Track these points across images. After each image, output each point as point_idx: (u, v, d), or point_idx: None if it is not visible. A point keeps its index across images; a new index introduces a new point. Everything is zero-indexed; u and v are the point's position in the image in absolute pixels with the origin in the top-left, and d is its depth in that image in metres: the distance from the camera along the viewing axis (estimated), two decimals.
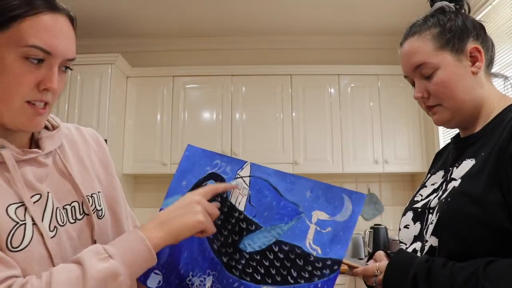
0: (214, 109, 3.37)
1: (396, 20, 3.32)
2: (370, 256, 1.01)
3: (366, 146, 3.30)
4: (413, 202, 0.98)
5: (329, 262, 0.79)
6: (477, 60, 0.89)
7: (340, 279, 2.84)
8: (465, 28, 0.90)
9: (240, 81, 3.40)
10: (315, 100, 3.37)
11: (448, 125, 0.93)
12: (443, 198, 0.84)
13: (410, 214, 0.95)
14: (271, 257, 0.82)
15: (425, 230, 0.87)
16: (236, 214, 0.86)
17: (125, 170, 3.29)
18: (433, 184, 0.96)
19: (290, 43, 3.71)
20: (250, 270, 0.83)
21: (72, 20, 0.75)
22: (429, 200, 0.91)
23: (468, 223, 0.76)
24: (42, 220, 0.70)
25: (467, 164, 0.85)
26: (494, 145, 0.80)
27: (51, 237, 0.70)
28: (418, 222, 0.91)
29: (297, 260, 0.81)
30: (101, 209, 0.83)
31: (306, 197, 0.84)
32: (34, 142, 0.79)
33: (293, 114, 3.35)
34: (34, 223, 0.69)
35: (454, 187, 0.83)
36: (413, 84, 0.94)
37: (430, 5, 0.98)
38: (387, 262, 0.86)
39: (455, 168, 0.90)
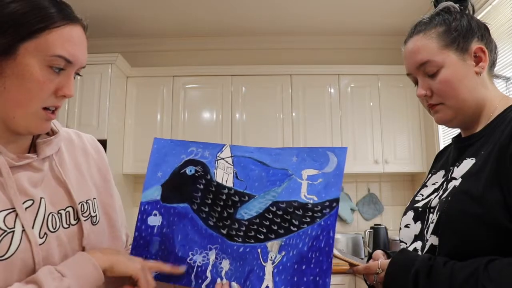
0: (214, 109, 3.37)
1: (396, 20, 3.32)
2: (370, 256, 1.01)
3: (366, 146, 3.30)
4: (414, 201, 0.98)
5: (327, 203, 0.82)
6: (481, 61, 0.89)
7: (340, 279, 2.84)
8: (470, 28, 0.91)
9: (240, 81, 3.40)
10: (315, 100, 3.37)
11: (449, 124, 0.93)
12: (444, 197, 0.84)
13: (410, 214, 0.95)
14: (270, 216, 0.84)
15: (426, 229, 0.87)
16: (226, 191, 0.88)
17: (125, 170, 3.29)
18: (433, 184, 0.96)
19: (290, 43, 3.71)
20: (252, 233, 0.84)
21: (84, 29, 0.80)
22: (430, 200, 0.91)
23: (469, 222, 0.76)
24: (33, 227, 0.71)
25: (468, 163, 0.85)
26: (494, 144, 0.81)
27: (40, 244, 0.71)
28: (419, 222, 0.91)
29: (296, 211, 0.83)
30: (96, 215, 0.83)
31: (293, 162, 0.87)
32: (33, 147, 0.80)
33: (293, 114, 3.35)
34: (24, 230, 0.69)
35: (454, 186, 0.83)
36: (416, 83, 0.94)
37: (434, 5, 0.98)
38: (389, 260, 0.87)
39: (455, 167, 0.90)
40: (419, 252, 0.87)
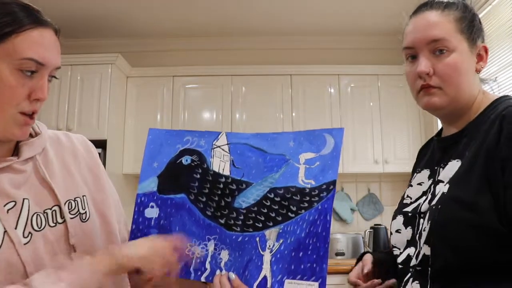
0: (214, 109, 3.37)
1: (396, 21, 3.31)
2: (359, 257, 1.01)
3: (366, 146, 3.30)
4: (402, 205, 0.96)
5: (324, 187, 0.81)
6: (481, 60, 0.89)
7: (340, 279, 2.84)
8: (480, 25, 0.91)
9: (240, 81, 3.40)
10: (315, 100, 3.37)
11: (439, 111, 0.89)
12: (434, 205, 0.82)
13: (400, 218, 0.93)
14: (268, 203, 0.84)
15: (418, 235, 0.86)
16: (223, 179, 0.87)
17: (125, 170, 3.28)
18: (419, 184, 0.94)
19: (290, 43, 3.71)
20: (251, 222, 0.84)
21: (56, 32, 0.79)
22: (419, 204, 0.89)
23: (461, 229, 0.75)
24: (16, 227, 0.71)
25: (453, 165, 0.84)
26: (479, 145, 0.79)
27: (24, 244, 0.71)
28: (410, 227, 0.90)
29: (293, 197, 0.83)
30: (85, 212, 0.84)
31: (290, 147, 0.86)
32: (17, 150, 0.80)
33: (293, 114, 3.35)
34: (6, 231, 0.70)
35: (443, 192, 0.81)
36: (412, 57, 0.89)
37: None
38: None
39: (441, 169, 0.89)
40: (414, 259, 0.85)
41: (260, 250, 0.82)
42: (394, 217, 0.96)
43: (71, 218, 0.80)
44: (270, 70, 3.42)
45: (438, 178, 0.87)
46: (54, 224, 0.77)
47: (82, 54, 3.20)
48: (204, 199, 0.87)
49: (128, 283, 0.87)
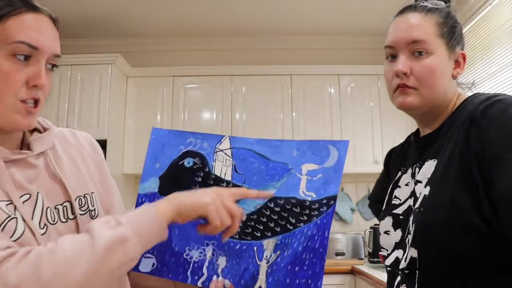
0: (214, 109, 3.37)
1: None
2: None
3: (366, 146, 3.30)
4: (391, 206, 0.96)
5: (324, 201, 0.81)
6: (458, 66, 0.91)
7: (340, 279, 2.84)
8: (461, 33, 0.93)
9: (240, 81, 3.40)
10: (315, 100, 3.37)
11: (413, 111, 0.90)
12: (417, 208, 0.83)
13: (389, 220, 0.93)
14: (268, 213, 0.83)
15: (406, 238, 0.87)
16: (224, 184, 0.86)
17: (125, 170, 3.28)
18: (407, 185, 0.95)
19: (290, 43, 3.71)
20: (249, 230, 0.83)
21: (54, 21, 0.78)
22: (410, 206, 0.90)
23: (444, 231, 0.76)
24: (32, 218, 0.71)
25: (430, 165, 0.85)
26: (454, 145, 0.81)
27: (41, 234, 0.71)
28: (399, 229, 0.90)
29: (293, 208, 0.82)
30: (94, 209, 0.83)
31: (293, 156, 0.85)
32: (25, 145, 0.80)
33: (293, 114, 3.35)
34: (24, 220, 0.70)
35: (425, 195, 0.82)
36: (391, 56, 0.91)
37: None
38: None
39: (417, 168, 0.90)
40: (402, 262, 0.86)
41: (257, 260, 0.82)
42: (382, 218, 0.96)
43: (81, 215, 0.79)
44: (270, 70, 3.42)
45: (417, 179, 0.88)
46: (65, 220, 0.77)
47: (82, 54, 3.21)
48: None
49: (128, 282, 0.87)
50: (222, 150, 0.88)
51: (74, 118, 3.07)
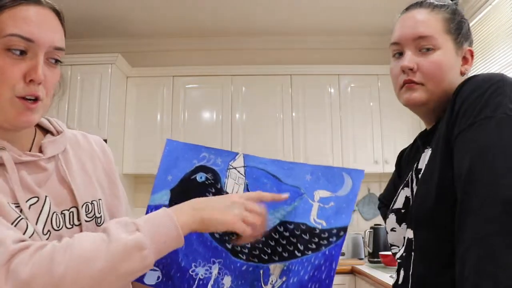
0: (214, 109, 3.37)
1: None
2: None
3: (366, 146, 3.30)
4: (395, 203, 0.96)
5: (335, 231, 0.80)
6: (466, 63, 0.91)
7: (340, 279, 2.84)
8: (468, 30, 0.93)
9: (240, 81, 3.40)
10: (315, 100, 3.37)
11: (419, 108, 0.90)
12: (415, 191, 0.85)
13: (392, 217, 0.94)
14: (277, 237, 0.82)
15: None
16: None
17: (125, 170, 3.28)
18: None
19: (290, 43, 3.71)
20: (257, 252, 0.83)
21: (58, 13, 0.75)
22: (406, 197, 0.91)
23: (435, 206, 0.76)
24: (37, 223, 0.70)
25: (426, 154, 0.87)
26: (440, 129, 0.82)
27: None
28: (404, 223, 0.90)
29: (303, 235, 0.81)
30: (101, 216, 0.82)
31: (307, 180, 0.84)
32: (37, 146, 0.79)
33: (293, 114, 3.35)
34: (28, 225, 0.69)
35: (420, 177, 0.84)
36: (399, 54, 0.90)
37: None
38: None
39: (418, 161, 0.91)
40: (402, 248, 0.87)
41: (263, 284, 0.81)
42: (387, 216, 0.97)
43: (86, 221, 0.78)
44: (270, 70, 3.42)
45: (419, 167, 0.89)
46: (70, 226, 0.76)
47: (82, 54, 3.20)
48: None
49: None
50: (235, 168, 0.87)
51: (74, 118, 3.07)
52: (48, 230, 0.72)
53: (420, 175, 0.86)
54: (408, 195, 0.91)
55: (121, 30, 3.54)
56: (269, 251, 0.82)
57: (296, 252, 0.81)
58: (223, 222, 0.72)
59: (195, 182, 0.88)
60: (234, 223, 0.73)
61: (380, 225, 3.28)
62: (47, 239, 0.70)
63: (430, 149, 0.86)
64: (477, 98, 0.75)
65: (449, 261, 0.73)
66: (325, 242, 0.80)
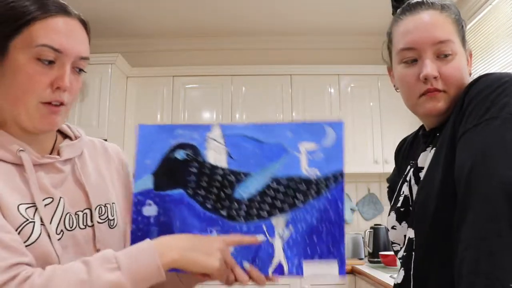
0: (214, 109, 3.37)
1: None
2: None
3: (366, 146, 3.30)
4: (395, 201, 0.96)
5: (331, 177, 0.81)
6: (468, 64, 0.89)
7: (340, 279, 2.84)
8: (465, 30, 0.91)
9: (240, 81, 3.40)
10: (315, 100, 3.37)
11: (440, 116, 0.85)
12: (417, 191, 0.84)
13: (393, 215, 0.93)
14: (272, 193, 0.83)
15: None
16: (221, 172, 0.85)
17: None
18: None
19: (290, 43, 3.71)
20: (255, 211, 0.83)
21: (84, 24, 0.80)
22: (405, 195, 0.90)
23: (437, 206, 0.76)
24: (50, 223, 0.73)
25: (428, 153, 0.85)
26: (449, 127, 0.80)
27: (58, 239, 0.73)
28: (404, 222, 0.90)
29: (298, 186, 0.81)
30: (114, 219, 0.85)
31: (288, 136, 0.84)
32: (55, 150, 0.82)
33: (293, 114, 3.35)
34: (42, 224, 0.71)
35: (424, 176, 0.83)
36: (412, 60, 0.84)
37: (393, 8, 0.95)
38: None
39: (417, 159, 0.89)
40: (404, 247, 0.86)
41: (269, 237, 0.81)
42: (388, 214, 0.96)
43: (99, 223, 0.81)
44: (270, 70, 3.42)
45: (418, 166, 0.88)
46: (84, 227, 0.79)
47: None
48: (203, 193, 0.85)
49: None
50: (213, 138, 0.87)
51: (74, 118, 3.07)
52: (61, 230, 0.74)
53: (421, 174, 0.86)
54: (407, 194, 0.91)
55: (121, 30, 3.54)
56: (268, 207, 0.82)
57: (296, 202, 0.81)
58: (206, 266, 0.73)
59: (176, 160, 0.87)
60: (213, 268, 0.74)
61: (380, 225, 3.28)
62: (60, 238, 0.73)
63: (433, 148, 0.84)
64: (484, 98, 0.73)
65: (450, 261, 0.72)
66: (324, 188, 0.80)
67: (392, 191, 1.03)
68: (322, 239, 0.79)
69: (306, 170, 0.82)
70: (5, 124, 0.75)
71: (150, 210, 0.86)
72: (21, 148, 0.74)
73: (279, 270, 0.80)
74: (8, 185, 0.71)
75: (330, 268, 0.79)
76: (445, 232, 0.74)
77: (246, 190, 0.84)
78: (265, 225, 0.82)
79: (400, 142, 1.11)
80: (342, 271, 0.78)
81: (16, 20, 0.72)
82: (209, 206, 0.85)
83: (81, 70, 0.78)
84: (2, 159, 0.73)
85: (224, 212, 0.84)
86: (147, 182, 0.88)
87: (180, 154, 0.87)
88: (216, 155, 0.86)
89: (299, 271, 0.80)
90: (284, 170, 0.83)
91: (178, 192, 0.86)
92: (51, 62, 0.72)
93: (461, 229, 0.68)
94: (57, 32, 0.73)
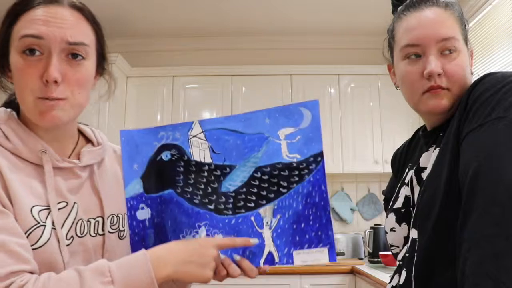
0: (214, 109, 3.37)
1: None
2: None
3: (366, 146, 3.30)
4: (393, 202, 0.95)
5: (311, 159, 0.82)
6: (469, 63, 0.88)
7: (340, 279, 2.84)
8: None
9: (240, 81, 3.40)
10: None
11: (444, 114, 0.84)
12: (419, 192, 0.83)
13: (392, 217, 0.92)
14: (257, 183, 0.84)
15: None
16: (206, 167, 0.87)
17: None
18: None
19: (290, 43, 3.71)
20: (242, 203, 0.84)
21: (78, 9, 0.76)
22: (406, 196, 0.89)
23: (441, 208, 0.75)
24: (62, 227, 0.72)
25: (431, 153, 0.85)
26: (450, 128, 0.79)
27: (67, 245, 0.72)
28: (404, 223, 0.89)
29: (281, 173, 0.83)
30: (124, 230, 0.85)
31: (267, 124, 0.86)
32: (76, 153, 0.82)
33: None
34: (54, 228, 0.71)
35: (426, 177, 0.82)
36: (416, 56, 0.84)
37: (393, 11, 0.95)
38: None
39: (420, 158, 0.88)
40: (406, 246, 0.85)
41: (258, 229, 0.82)
42: (386, 216, 0.95)
43: (110, 232, 0.81)
44: (270, 70, 3.42)
45: (420, 166, 0.87)
46: (94, 235, 0.78)
47: None
48: (190, 190, 0.86)
49: None
50: (195, 136, 0.88)
51: None
52: (72, 236, 0.74)
53: (423, 175, 0.85)
54: (408, 194, 0.90)
55: (121, 30, 3.54)
56: (254, 198, 0.83)
57: (281, 189, 0.82)
58: (200, 278, 0.73)
59: (162, 162, 0.88)
60: (208, 279, 0.74)
61: (380, 225, 3.28)
62: (69, 244, 0.73)
63: (436, 148, 0.83)
64: (489, 98, 0.73)
65: (453, 262, 0.72)
66: (306, 171, 0.81)
67: (388, 202, 1.03)
68: (310, 224, 0.80)
69: (287, 155, 0.83)
70: (30, 121, 0.76)
71: (143, 213, 0.87)
72: (43, 149, 0.74)
73: (270, 260, 0.81)
74: (26, 186, 0.70)
75: (320, 254, 0.79)
76: (449, 232, 0.74)
77: (231, 183, 0.85)
78: (253, 216, 0.83)
79: (394, 153, 1.11)
80: (332, 257, 0.79)
81: (7, 22, 0.72)
82: (196, 201, 0.86)
83: (78, 56, 0.74)
84: (25, 158, 0.73)
85: (211, 207, 0.85)
86: (137, 186, 0.88)
87: (165, 155, 0.88)
88: (200, 151, 0.87)
89: (289, 260, 0.80)
90: (267, 158, 0.84)
91: (167, 192, 0.87)
92: (35, 52, 0.69)
93: (465, 230, 0.67)
94: (36, 20, 0.70)
